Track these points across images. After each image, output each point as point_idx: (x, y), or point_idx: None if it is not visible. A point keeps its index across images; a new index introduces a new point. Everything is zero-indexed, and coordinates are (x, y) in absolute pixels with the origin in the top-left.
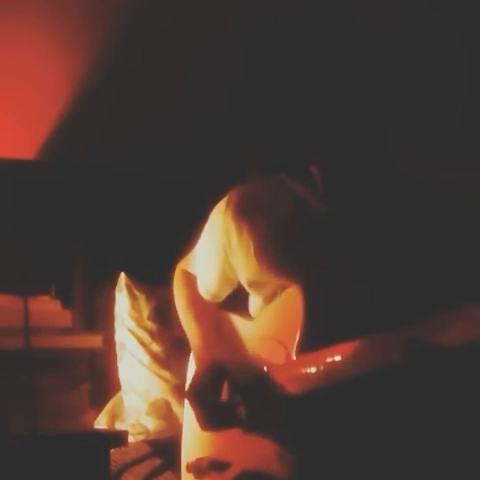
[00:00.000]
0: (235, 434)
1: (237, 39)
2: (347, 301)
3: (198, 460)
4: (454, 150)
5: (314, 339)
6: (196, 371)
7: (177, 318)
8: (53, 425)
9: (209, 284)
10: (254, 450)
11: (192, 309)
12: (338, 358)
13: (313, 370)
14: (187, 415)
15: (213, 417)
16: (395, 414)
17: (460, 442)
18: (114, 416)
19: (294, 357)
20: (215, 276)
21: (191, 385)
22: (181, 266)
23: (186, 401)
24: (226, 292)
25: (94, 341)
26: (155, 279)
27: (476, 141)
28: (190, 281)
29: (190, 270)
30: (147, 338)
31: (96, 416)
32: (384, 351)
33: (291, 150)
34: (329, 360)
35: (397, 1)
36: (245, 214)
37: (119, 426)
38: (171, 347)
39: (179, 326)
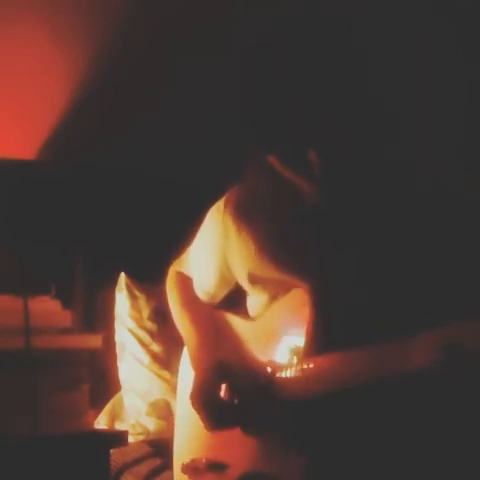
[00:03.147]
0: (232, 435)
1: (240, 37)
2: (353, 301)
3: (194, 461)
4: (454, 150)
5: (322, 340)
6: (198, 372)
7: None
8: (53, 425)
9: (206, 285)
10: (253, 451)
11: (187, 310)
12: (343, 364)
13: (319, 372)
14: (179, 415)
15: (219, 418)
16: (398, 420)
17: (463, 447)
18: (114, 416)
19: (300, 358)
20: (213, 276)
21: (196, 387)
22: (174, 268)
23: (179, 402)
24: (223, 292)
25: (94, 341)
26: (155, 279)
27: (476, 141)
28: (184, 282)
29: (184, 271)
30: (147, 338)
31: (96, 416)
32: (391, 360)
33: (289, 134)
34: (335, 365)
35: (397, 1)
36: (243, 214)
37: (119, 426)
38: (171, 347)
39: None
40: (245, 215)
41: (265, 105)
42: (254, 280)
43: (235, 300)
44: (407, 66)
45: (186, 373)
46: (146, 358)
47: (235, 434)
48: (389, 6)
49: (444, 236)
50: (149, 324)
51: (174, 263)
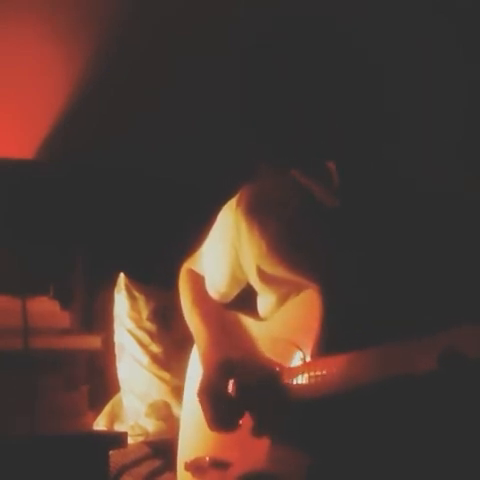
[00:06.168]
0: (236, 434)
1: (240, 37)
2: (364, 303)
3: (197, 459)
4: (454, 150)
5: (332, 342)
6: (206, 370)
7: (182, 317)
8: (52, 426)
9: (218, 284)
10: (256, 451)
11: (198, 308)
12: (350, 366)
13: (327, 374)
14: (186, 414)
15: (224, 415)
16: (403, 423)
17: (468, 451)
18: (113, 417)
19: (309, 359)
20: (225, 275)
21: (203, 382)
22: (187, 265)
23: (186, 400)
24: (235, 292)
25: (93, 342)
26: (154, 280)
27: (476, 141)
28: (196, 280)
29: (196, 269)
30: (146, 339)
31: (95, 417)
32: (399, 360)
33: (306, 147)
34: (341, 367)
35: (397, 2)
36: (256, 212)
37: (118, 427)
38: (171, 348)
39: (183, 325)
40: (257, 213)
41: (265, 105)
42: (264, 279)
43: (246, 300)
44: (407, 66)
45: (194, 371)
46: (145, 359)
47: (239, 433)
48: (389, 6)
49: (445, 236)
50: (148, 325)
51: (186, 261)
